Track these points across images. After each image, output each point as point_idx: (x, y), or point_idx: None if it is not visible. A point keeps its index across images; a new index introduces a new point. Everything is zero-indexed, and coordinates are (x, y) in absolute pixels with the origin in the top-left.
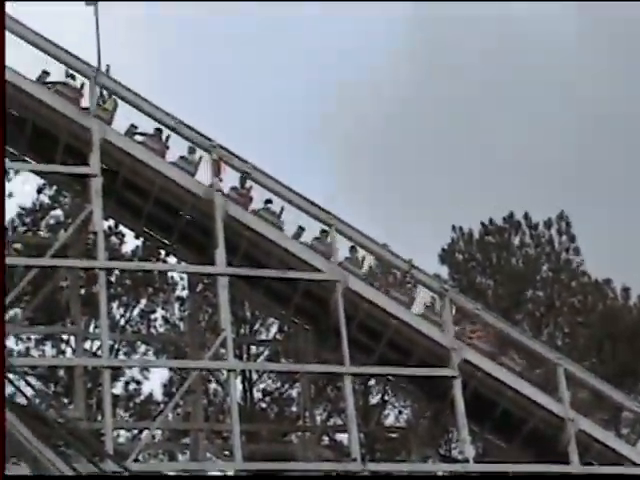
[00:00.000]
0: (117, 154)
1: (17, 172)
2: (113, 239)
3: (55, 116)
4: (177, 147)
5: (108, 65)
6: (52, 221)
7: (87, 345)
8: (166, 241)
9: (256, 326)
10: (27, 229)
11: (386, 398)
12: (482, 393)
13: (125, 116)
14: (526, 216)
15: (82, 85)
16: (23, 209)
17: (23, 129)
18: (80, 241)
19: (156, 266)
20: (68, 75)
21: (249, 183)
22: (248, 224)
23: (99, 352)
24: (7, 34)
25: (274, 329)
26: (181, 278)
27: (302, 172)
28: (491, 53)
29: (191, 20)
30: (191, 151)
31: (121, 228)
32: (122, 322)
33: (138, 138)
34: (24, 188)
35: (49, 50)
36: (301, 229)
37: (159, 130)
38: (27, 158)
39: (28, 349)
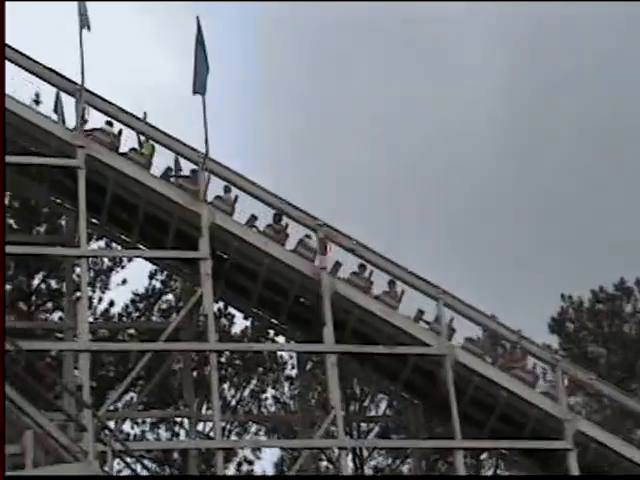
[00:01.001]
0: (226, 237)
1: (130, 259)
2: (223, 320)
3: (167, 204)
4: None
5: (145, 113)
6: (164, 305)
7: (200, 427)
8: (275, 321)
9: (365, 402)
10: (140, 314)
11: (498, 472)
12: (597, 464)
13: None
14: (638, 282)
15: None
16: (136, 295)
17: (135, 217)
18: (191, 324)
19: (265, 346)
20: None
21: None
22: (356, 302)
23: (212, 434)
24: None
25: (383, 405)
26: (290, 357)
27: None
28: None
29: None
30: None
31: (230, 309)
32: (233, 403)
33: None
34: (137, 274)
35: (160, 139)
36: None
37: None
38: (139, 245)
39: (144, 432)
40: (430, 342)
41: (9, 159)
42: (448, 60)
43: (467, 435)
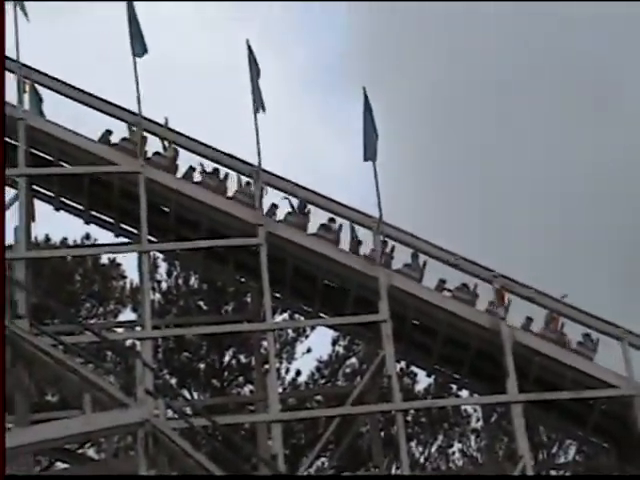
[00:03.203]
0: (404, 298)
1: (313, 328)
2: (406, 380)
3: (346, 271)
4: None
5: (166, 118)
6: (348, 370)
7: None
8: (456, 375)
9: (554, 450)
10: (326, 381)
11: None
12: None
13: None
14: None
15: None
16: (321, 362)
17: (315, 287)
18: (375, 386)
19: (449, 401)
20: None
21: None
22: (538, 349)
23: None
24: None
25: (572, 451)
26: (474, 410)
27: None
28: None
29: None
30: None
31: (412, 368)
32: (422, 460)
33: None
34: (320, 341)
35: (335, 209)
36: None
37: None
38: (321, 314)
39: None
40: (617, 384)
41: (199, 244)
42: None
43: None
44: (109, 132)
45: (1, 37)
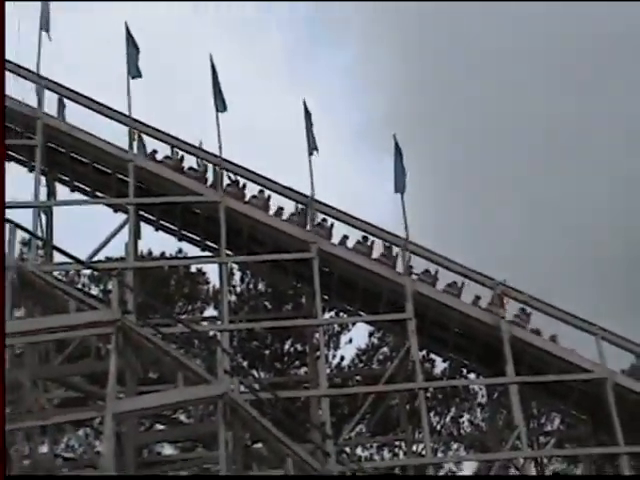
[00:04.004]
0: (425, 301)
1: (354, 324)
2: (426, 364)
3: (379, 279)
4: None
5: (200, 141)
6: (381, 357)
7: (414, 448)
8: (466, 361)
9: (542, 420)
10: (364, 365)
11: None
12: None
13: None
14: None
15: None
16: (360, 350)
17: (356, 291)
18: (402, 369)
19: (460, 382)
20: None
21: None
22: (531, 342)
23: (423, 452)
24: None
25: (557, 421)
26: (480, 389)
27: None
28: None
29: None
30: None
31: (432, 356)
32: (438, 427)
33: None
34: (360, 334)
35: (368, 229)
36: None
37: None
38: (360, 312)
39: (371, 455)
40: (592, 369)
41: (265, 257)
42: None
43: (635, 441)
44: (154, 152)
45: (1, 37)
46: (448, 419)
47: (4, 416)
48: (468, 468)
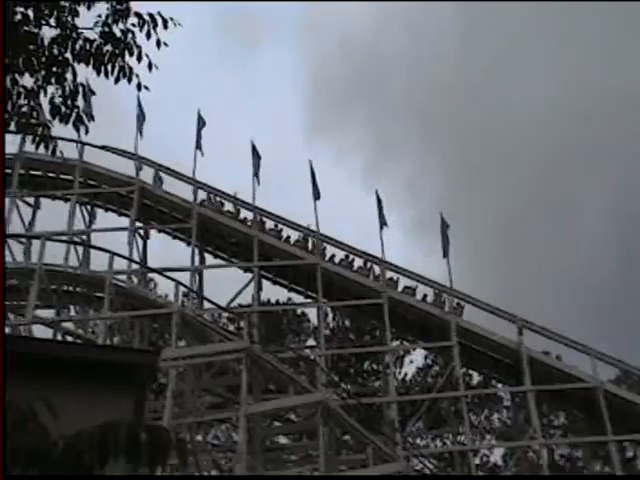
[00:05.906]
0: (464, 332)
1: (414, 349)
2: (466, 378)
3: (430, 317)
4: None
5: (235, 192)
6: (433, 373)
7: (458, 438)
8: (495, 375)
9: (551, 417)
10: (421, 379)
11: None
12: None
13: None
14: None
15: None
16: (418, 368)
17: (414, 325)
18: (449, 381)
19: (491, 390)
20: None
21: None
22: (543, 360)
23: (465, 441)
24: None
25: (562, 418)
26: (505, 395)
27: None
28: None
29: None
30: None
31: (470, 371)
32: (475, 423)
33: None
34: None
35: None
36: None
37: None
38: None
39: (427, 444)
40: (587, 380)
41: (350, 302)
42: None
43: (619, 432)
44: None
45: (1, 37)
46: (483, 417)
47: (4, 416)
48: (498, 453)
